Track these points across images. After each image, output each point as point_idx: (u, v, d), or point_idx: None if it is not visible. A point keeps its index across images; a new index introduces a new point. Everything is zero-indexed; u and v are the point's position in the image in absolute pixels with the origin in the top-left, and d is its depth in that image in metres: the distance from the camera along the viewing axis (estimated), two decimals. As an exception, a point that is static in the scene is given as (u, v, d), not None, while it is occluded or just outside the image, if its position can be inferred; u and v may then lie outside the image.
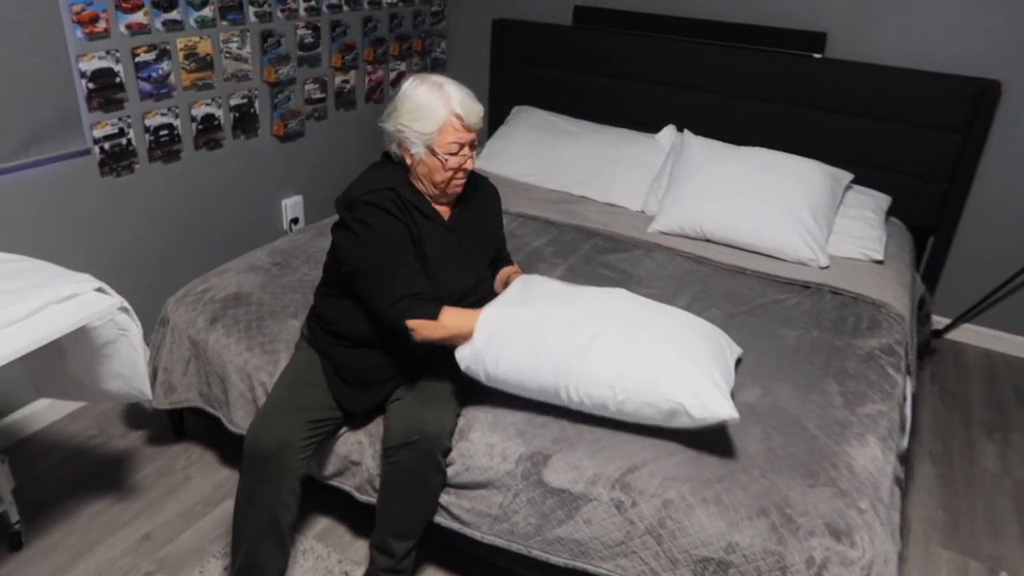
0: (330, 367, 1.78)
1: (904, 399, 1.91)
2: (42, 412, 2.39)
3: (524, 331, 1.64)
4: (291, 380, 1.79)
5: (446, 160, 1.69)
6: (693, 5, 3.18)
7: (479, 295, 1.84)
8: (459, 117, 1.68)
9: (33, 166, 2.19)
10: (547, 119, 3.34)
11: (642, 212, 2.92)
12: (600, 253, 2.56)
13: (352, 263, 1.69)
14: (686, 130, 3.04)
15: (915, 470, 2.42)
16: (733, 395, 1.69)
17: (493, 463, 1.66)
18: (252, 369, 1.96)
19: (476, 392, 1.78)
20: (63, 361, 1.64)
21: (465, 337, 1.67)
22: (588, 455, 1.61)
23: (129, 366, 1.66)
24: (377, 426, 1.80)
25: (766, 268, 2.49)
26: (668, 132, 3.13)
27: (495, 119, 3.65)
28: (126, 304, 1.58)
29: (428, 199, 1.77)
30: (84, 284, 1.49)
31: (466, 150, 1.71)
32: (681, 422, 1.57)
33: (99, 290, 1.52)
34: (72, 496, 2.13)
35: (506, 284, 1.92)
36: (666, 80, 3.20)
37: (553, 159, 3.14)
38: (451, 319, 1.66)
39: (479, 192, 1.90)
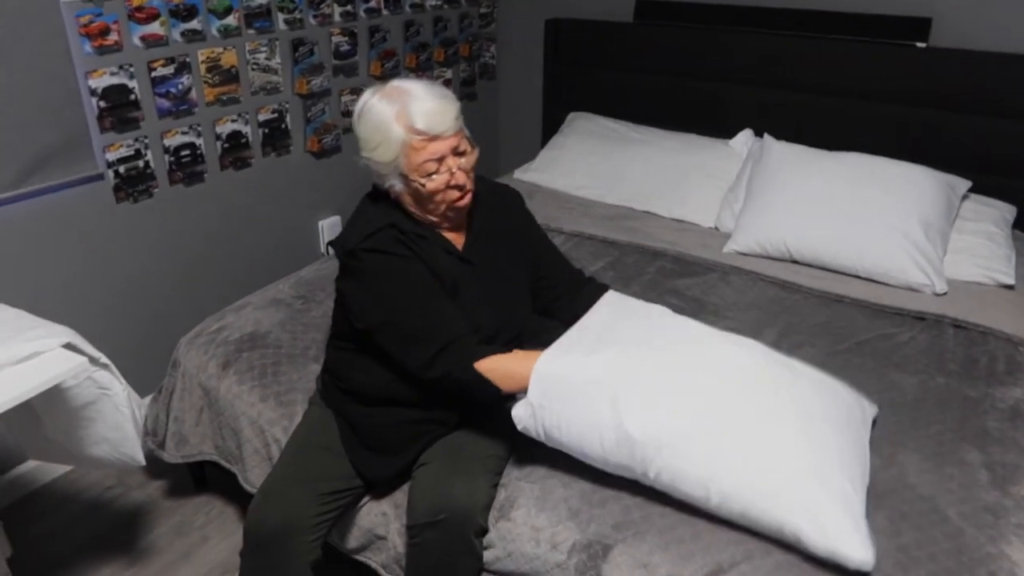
0: (347, 428, 1.50)
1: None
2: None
3: (588, 393, 1.32)
4: (301, 444, 1.52)
5: (423, 185, 1.36)
6: (771, -8, 2.80)
7: (512, 332, 1.53)
8: (419, 132, 1.33)
9: (39, 194, 1.99)
10: (606, 125, 3.01)
11: (716, 229, 2.56)
12: (668, 278, 2.21)
13: (371, 319, 1.39)
14: (766, 134, 2.66)
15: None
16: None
17: (540, 551, 1.34)
18: (266, 423, 1.70)
19: (520, 457, 1.47)
20: (40, 425, 1.41)
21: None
22: (660, 548, 1.27)
23: (115, 429, 1.43)
24: (404, 494, 1.50)
25: (869, 295, 2.10)
26: (745, 137, 2.76)
27: (550, 127, 3.34)
28: (105, 360, 1.34)
29: (434, 228, 1.46)
30: (49, 340, 1.25)
31: (449, 161, 1.37)
32: (792, 542, 1.23)
33: (68, 346, 1.28)
34: (80, 559, 1.92)
35: None
36: (742, 78, 2.83)
37: (613, 170, 2.81)
38: (518, 362, 1.37)
39: (498, 207, 1.56)
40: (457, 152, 1.39)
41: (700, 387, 1.33)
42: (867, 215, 2.22)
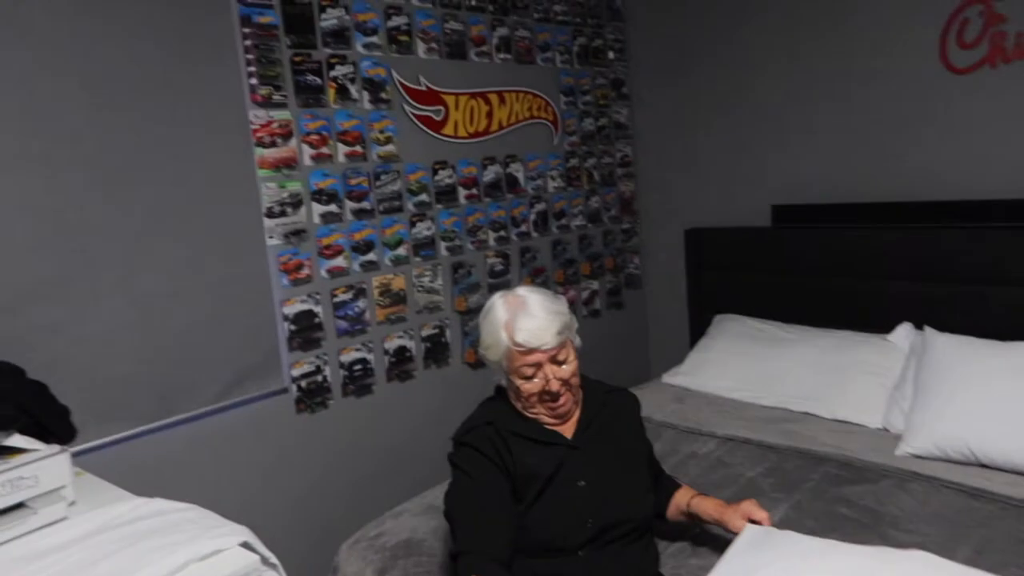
0: None
1: None
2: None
3: None
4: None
5: (519, 386, 1.54)
6: (904, 188, 2.80)
7: (632, 521, 1.55)
8: (518, 344, 1.50)
9: (233, 407, 2.27)
10: (754, 326, 3.00)
11: (884, 430, 2.38)
12: (835, 485, 2.05)
13: (446, 504, 1.55)
14: (927, 327, 2.53)
15: None
16: None
17: None
18: (416, 637, 1.69)
19: None
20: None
21: None
22: None
23: (275, 629, 1.48)
24: None
25: (1081, 503, 1.83)
26: (904, 330, 2.63)
27: (696, 331, 3.37)
28: (274, 560, 1.43)
29: (540, 422, 1.59)
30: (230, 538, 1.37)
31: (547, 369, 1.52)
32: None
33: (244, 544, 1.39)
34: None
35: (687, 513, 1.66)
36: (889, 273, 2.76)
37: (765, 371, 2.75)
38: None
39: (613, 406, 1.69)
40: (556, 360, 1.53)
41: None
42: (1062, 411, 2.00)
